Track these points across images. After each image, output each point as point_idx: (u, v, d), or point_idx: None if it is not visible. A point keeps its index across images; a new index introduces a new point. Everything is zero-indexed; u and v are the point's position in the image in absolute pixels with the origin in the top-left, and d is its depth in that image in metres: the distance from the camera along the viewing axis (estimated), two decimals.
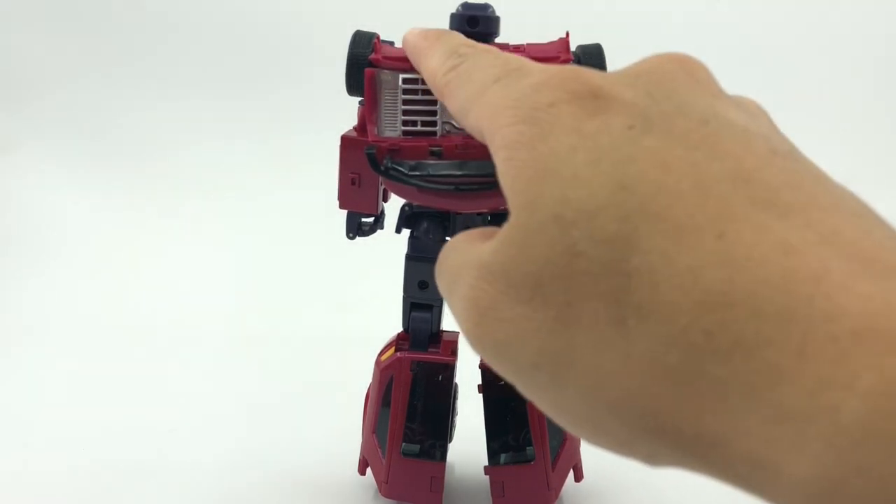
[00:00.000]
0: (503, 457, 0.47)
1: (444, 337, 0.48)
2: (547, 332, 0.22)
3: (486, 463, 0.48)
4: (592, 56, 0.43)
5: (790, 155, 0.23)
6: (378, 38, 0.43)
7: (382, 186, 0.46)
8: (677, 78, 0.25)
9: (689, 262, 0.20)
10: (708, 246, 0.20)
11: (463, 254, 0.26)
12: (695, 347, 0.20)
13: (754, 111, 0.26)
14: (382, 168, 0.41)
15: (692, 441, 0.20)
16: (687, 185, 0.21)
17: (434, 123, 0.41)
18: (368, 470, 0.50)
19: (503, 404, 0.47)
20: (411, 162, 0.41)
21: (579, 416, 0.23)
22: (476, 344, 0.24)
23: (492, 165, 0.37)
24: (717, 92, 0.25)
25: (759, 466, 0.19)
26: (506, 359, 0.24)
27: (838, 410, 0.18)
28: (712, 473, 0.21)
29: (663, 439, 0.21)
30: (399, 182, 0.41)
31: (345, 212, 0.47)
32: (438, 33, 0.33)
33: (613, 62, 0.43)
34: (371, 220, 0.48)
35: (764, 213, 0.20)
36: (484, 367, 0.47)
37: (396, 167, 0.41)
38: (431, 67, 0.32)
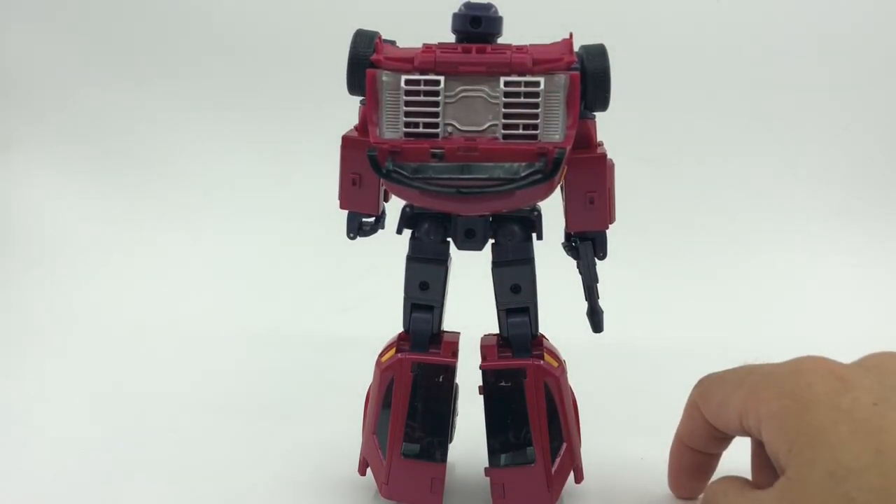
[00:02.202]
0: (503, 458, 0.47)
1: (445, 338, 0.48)
2: None
3: (487, 464, 0.48)
4: (596, 57, 0.43)
5: None
6: (380, 37, 0.43)
7: (383, 187, 0.46)
8: None
9: None
10: None
11: (737, 499, 0.38)
12: None
13: None
14: (384, 170, 0.41)
15: None
16: None
17: (436, 125, 0.41)
18: (368, 470, 0.50)
19: (503, 405, 0.47)
20: (413, 164, 0.41)
21: None
22: None
23: (493, 168, 0.40)
24: None
25: None
26: None
27: None
28: None
29: None
30: (401, 185, 0.41)
31: (345, 212, 0.47)
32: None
33: (616, 63, 0.43)
34: (372, 220, 0.47)
35: None
36: (485, 368, 0.47)
37: (398, 170, 0.41)
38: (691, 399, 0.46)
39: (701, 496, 0.48)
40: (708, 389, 0.44)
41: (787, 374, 0.37)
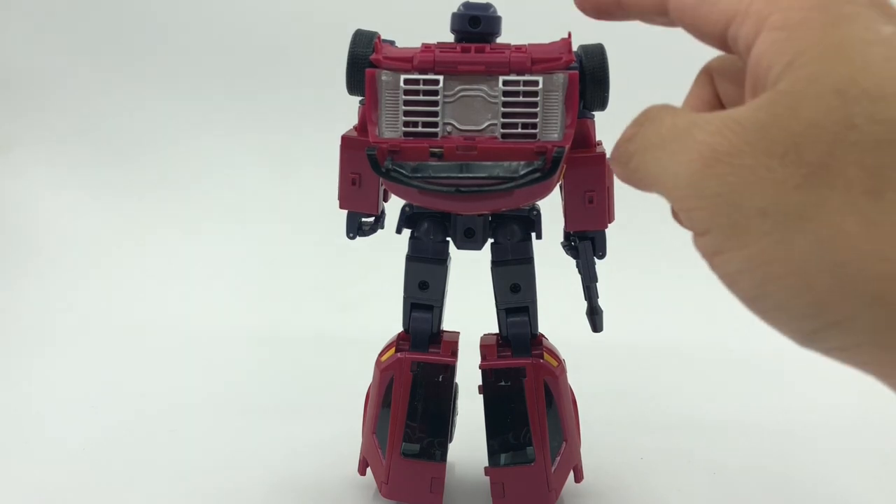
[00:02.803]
0: (503, 457, 0.47)
1: (445, 337, 0.48)
2: (792, 186, 0.24)
3: (487, 464, 0.48)
4: (594, 56, 0.43)
5: None
6: (379, 37, 0.43)
7: (383, 186, 0.46)
8: None
9: None
10: None
11: (686, 116, 0.28)
12: None
13: None
14: (383, 169, 0.41)
15: None
16: None
17: (435, 124, 0.41)
18: (368, 470, 0.50)
19: (503, 405, 0.47)
20: (412, 163, 0.41)
21: (787, 269, 0.25)
22: (694, 186, 0.26)
23: (492, 167, 0.38)
24: None
25: None
26: (729, 203, 0.25)
27: None
28: None
29: (877, 305, 0.23)
30: (400, 184, 0.41)
31: (345, 212, 0.47)
32: None
33: (615, 62, 0.43)
34: (371, 220, 0.47)
35: None
36: (484, 368, 0.47)
37: (397, 169, 0.41)
38: None
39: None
40: None
41: None
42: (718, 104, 0.33)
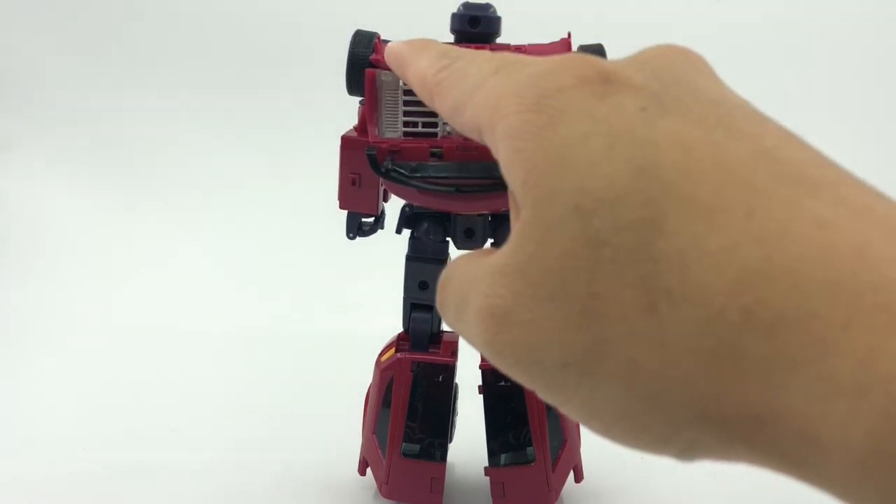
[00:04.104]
0: (503, 457, 0.47)
1: (445, 337, 0.48)
2: (573, 328, 0.21)
3: (487, 464, 0.48)
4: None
5: (801, 138, 0.22)
6: (378, 37, 0.43)
7: (383, 187, 0.46)
8: (682, 65, 0.25)
9: (720, 242, 0.19)
10: (738, 224, 0.19)
11: (468, 271, 0.25)
12: (733, 327, 0.19)
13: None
14: (383, 169, 0.41)
15: (737, 424, 0.20)
16: (709, 165, 0.20)
17: (435, 125, 0.41)
18: (368, 470, 0.50)
19: (503, 405, 0.47)
20: (412, 163, 0.41)
21: (614, 414, 0.22)
22: (496, 356, 0.23)
23: (493, 167, 0.37)
24: (719, 80, 0.25)
25: (809, 444, 0.19)
26: (530, 364, 0.22)
27: (894, 380, 0.17)
28: (757, 457, 0.20)
29: (708, 426, 0.20)
30: (400, 183, 0.41)
31: (345, 212, 0.47)
32: (425, 41, 0.31)
33: None
34: (371, 220, 0.48)
35: (791, 189, 0.20)
36: (484, 368, 0.47)
37: (397, 168, 0.41)
38: (420, 69, 0.29)
39: None
40: (453, 71, 0.28)
41: (538, 76, 0.24)
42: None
